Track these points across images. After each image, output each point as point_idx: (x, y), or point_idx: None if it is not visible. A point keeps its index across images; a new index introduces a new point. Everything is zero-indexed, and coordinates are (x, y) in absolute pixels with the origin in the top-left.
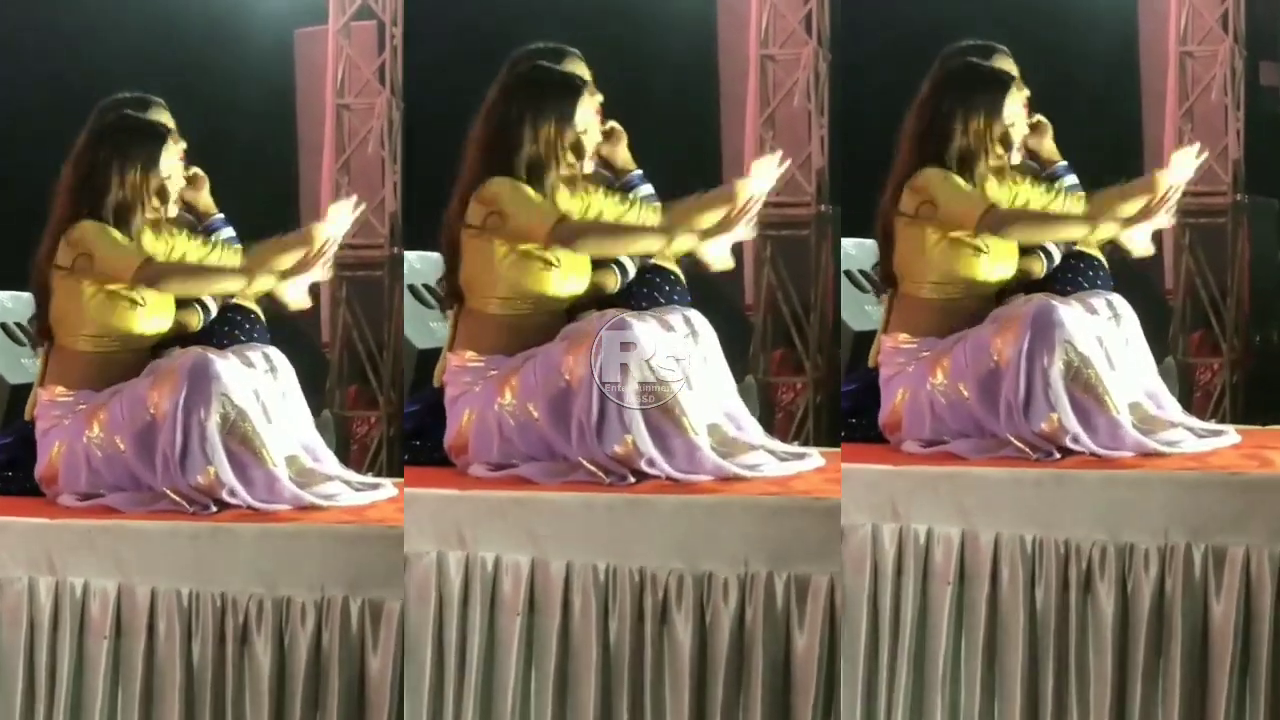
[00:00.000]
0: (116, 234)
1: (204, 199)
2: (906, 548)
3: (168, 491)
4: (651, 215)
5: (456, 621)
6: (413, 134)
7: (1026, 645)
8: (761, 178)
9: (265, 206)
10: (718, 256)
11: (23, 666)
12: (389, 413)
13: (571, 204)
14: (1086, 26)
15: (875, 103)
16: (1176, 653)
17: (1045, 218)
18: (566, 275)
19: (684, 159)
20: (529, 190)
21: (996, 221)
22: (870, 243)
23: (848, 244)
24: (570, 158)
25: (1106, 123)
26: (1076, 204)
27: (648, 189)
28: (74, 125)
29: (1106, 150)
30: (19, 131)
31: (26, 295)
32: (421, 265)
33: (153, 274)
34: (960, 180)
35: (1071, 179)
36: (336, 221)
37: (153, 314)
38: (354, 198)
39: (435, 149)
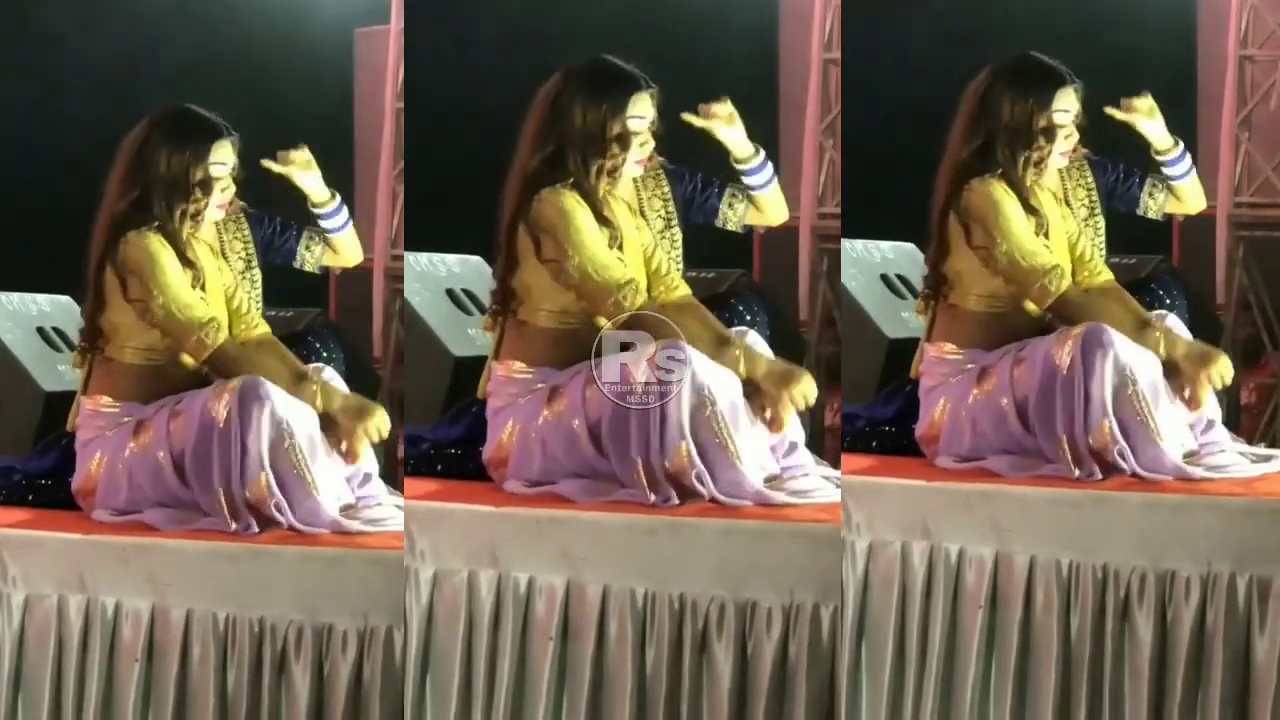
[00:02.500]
0: (171, 272)
1: (313, 186)
2: (937, 568)
3: (220, 494)
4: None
5: (486, 644)
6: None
7: (1059, 674)
8: None
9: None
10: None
11: (49, 688)
12: None
13: (613, 218)
14: (1143, 27)
15: None
16: (1216, 686)
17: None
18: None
19: None
20: (582, 219)
21: (1060, 306)
22: (908, 246)
23: (885, 247)
24: (615, 152)
25: None
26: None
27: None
28: (127, 128)
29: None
30: (69, 133)
31: (64, 299)
32: (461, 269)
33: (219, 360)
34: (1018, 214)
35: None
36: None
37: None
38: None
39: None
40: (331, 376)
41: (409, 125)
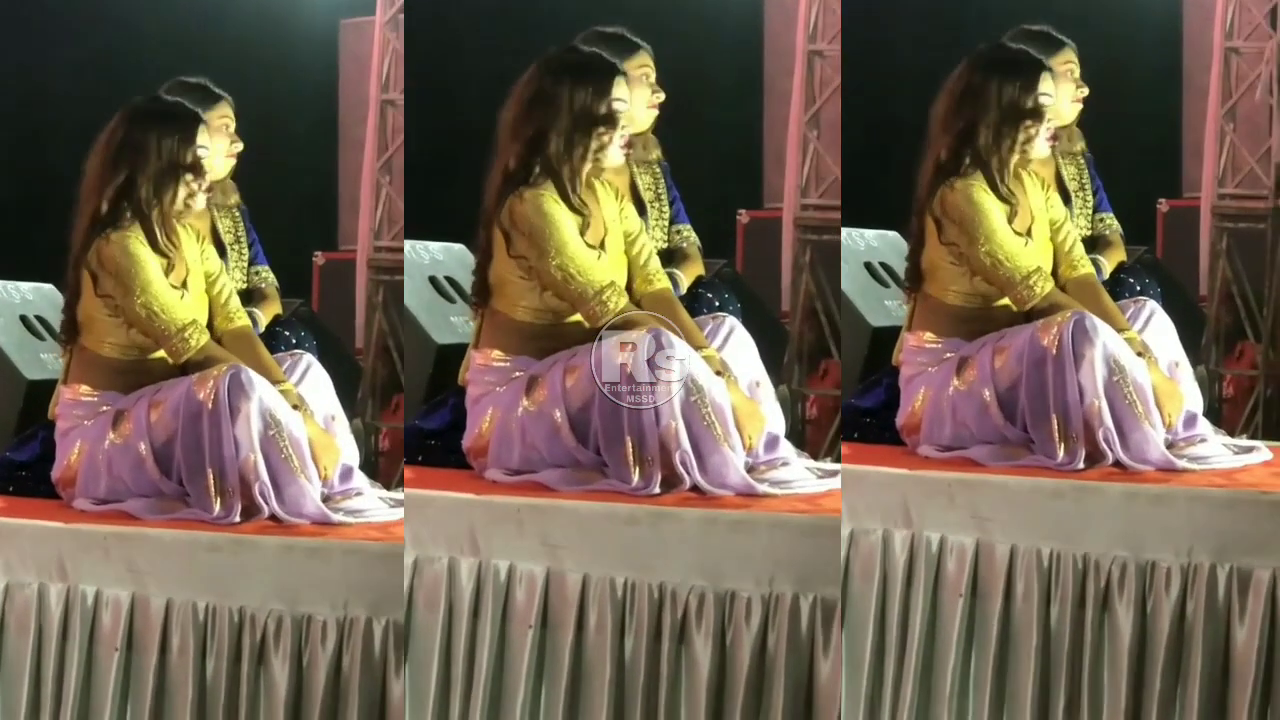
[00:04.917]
0: (151, 270)
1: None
2: (918, 557)
3: (210, 477)
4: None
5: (465, 632)
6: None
7: (1039, 664)
8: None
9: (303, 202)
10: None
11: (28, 676)
12: None
13: (594, 205)
14: (1130, 18)
15: None
16: (1195, 677)
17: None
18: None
19: None
20: (562, 221)
21: (1042, 303)
22: (893, 235)
23: (869, 235)
24: (600, 140)
25: (1147, 119)
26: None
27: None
28: (110, 118)
29: (1145, 148)
30: (52, 123)
31: (48, 288)
32: (445, 257)
33: (199, 361)
34: (1000, 216)
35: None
36: None
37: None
38: None
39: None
40: (313, 365)
41: (391, 112)
